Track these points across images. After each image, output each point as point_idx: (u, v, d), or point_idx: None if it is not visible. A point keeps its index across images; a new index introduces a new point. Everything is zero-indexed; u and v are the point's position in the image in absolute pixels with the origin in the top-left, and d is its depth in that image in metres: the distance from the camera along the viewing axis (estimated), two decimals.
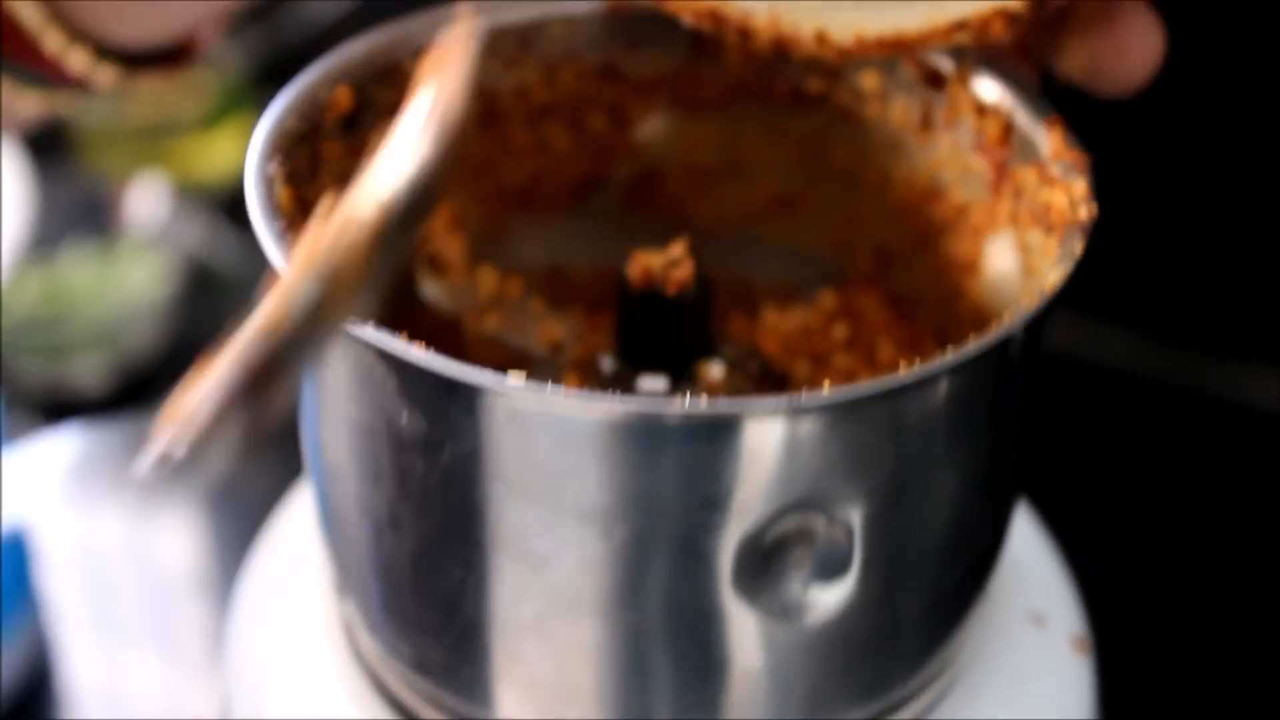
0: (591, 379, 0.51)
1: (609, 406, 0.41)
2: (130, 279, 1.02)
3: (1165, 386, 0.90)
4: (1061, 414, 0.83)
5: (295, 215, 0.47)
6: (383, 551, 0.46)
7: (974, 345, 0.43)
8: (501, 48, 0.53)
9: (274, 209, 0.46)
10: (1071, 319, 0.91)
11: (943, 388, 0.43)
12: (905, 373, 0.42)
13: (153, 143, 1.12)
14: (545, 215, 0.56)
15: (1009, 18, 0.45)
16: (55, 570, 0.80)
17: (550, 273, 0.57)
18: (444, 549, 0.45)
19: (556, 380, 0.52)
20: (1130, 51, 0.47)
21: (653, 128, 0.56)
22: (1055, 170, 0.48)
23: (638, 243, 0.56)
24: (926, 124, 0.53)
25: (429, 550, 0.45)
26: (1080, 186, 0.47)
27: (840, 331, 0.55)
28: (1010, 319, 0.43)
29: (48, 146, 1.09)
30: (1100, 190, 0.47)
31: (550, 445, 0.42)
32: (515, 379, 0.41)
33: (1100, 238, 0.46)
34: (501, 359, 0.54)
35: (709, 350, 0.50)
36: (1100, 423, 0.89)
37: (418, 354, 0.41)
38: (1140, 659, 0.70)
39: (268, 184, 0.46)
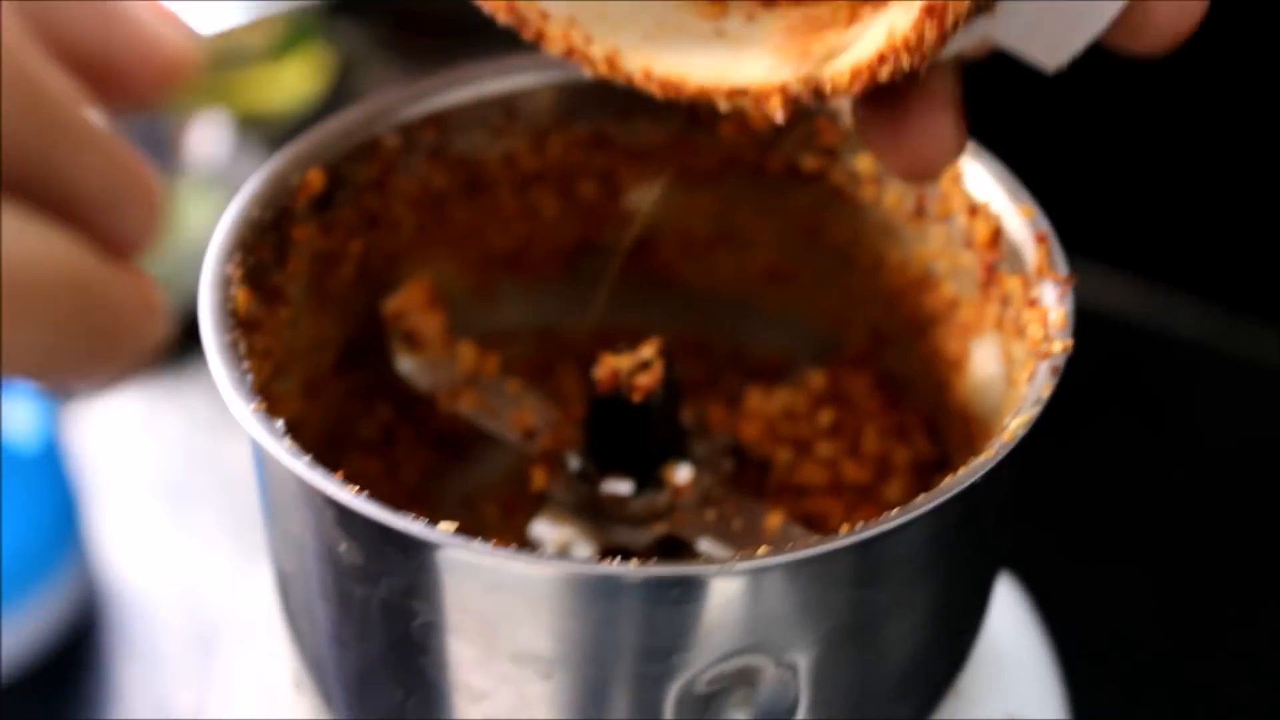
0: (558, 474, 0.50)
1: (535, 564, 0.40)
2: (190, 218, 1.01)
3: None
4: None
5: (254, 315, 0.46)
6: (334, 661, 0.46)
7: (930, 499, 0.41)
8: (487, 117, 0.52)
9: (227, 315, 0.45)
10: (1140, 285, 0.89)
11: (902, 539, 0.42)
12: (862, 530, 0.41)
13: (220, 74, 1.12)
14: (536, 279, 0.55)
15: (788, 99, 0.43)
16: (129, 482, 0.81)
17: (542, 333, 0.56)
18: (385, 670, 0.44)
19: (525, 470, 0.51)
20: (923, 148, 0.43)
21: (646, 195, 0.54)
22: (1036, 291, 0.46)
23: (632, 306, 0.55)
24: (920, 213, 0.51)
25: (372, 669, 0.45)
26: (1059, 316, 0.45)
27: (826, 417, 0.54)
28: (968, 470, 0.42)
29: None
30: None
31: (481, 592, 0.41)
32: (445, 528, 0.40)
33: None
34: (473, 437, 0.53)
35: (677, 452, 0.49)
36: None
37: (348, 497, 0.41)
38: None
39: (224, 287, 0.45)
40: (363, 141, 0.50)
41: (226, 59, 1.12)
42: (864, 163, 0.52)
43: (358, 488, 0.41)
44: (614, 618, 0.41)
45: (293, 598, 0.47)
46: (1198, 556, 0.77)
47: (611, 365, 0.48)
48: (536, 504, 0.50)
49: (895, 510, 0.41)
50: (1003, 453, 0.42)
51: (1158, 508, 0.79)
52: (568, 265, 0.55)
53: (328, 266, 0.50)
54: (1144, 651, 0.72)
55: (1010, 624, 0.55)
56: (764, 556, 0.40)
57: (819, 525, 0.51)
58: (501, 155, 0.53)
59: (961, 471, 0.42)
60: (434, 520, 0.40)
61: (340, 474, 0.41)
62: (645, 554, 0.48)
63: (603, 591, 0.40)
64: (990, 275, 0.49)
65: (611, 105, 0.53)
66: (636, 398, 0.48)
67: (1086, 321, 0.46)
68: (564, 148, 0.53)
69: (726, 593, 0.41)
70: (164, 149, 1.06)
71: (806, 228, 0.54)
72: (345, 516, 0.42)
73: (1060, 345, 0.44)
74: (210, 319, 0.45)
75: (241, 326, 0.45)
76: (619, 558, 0.43)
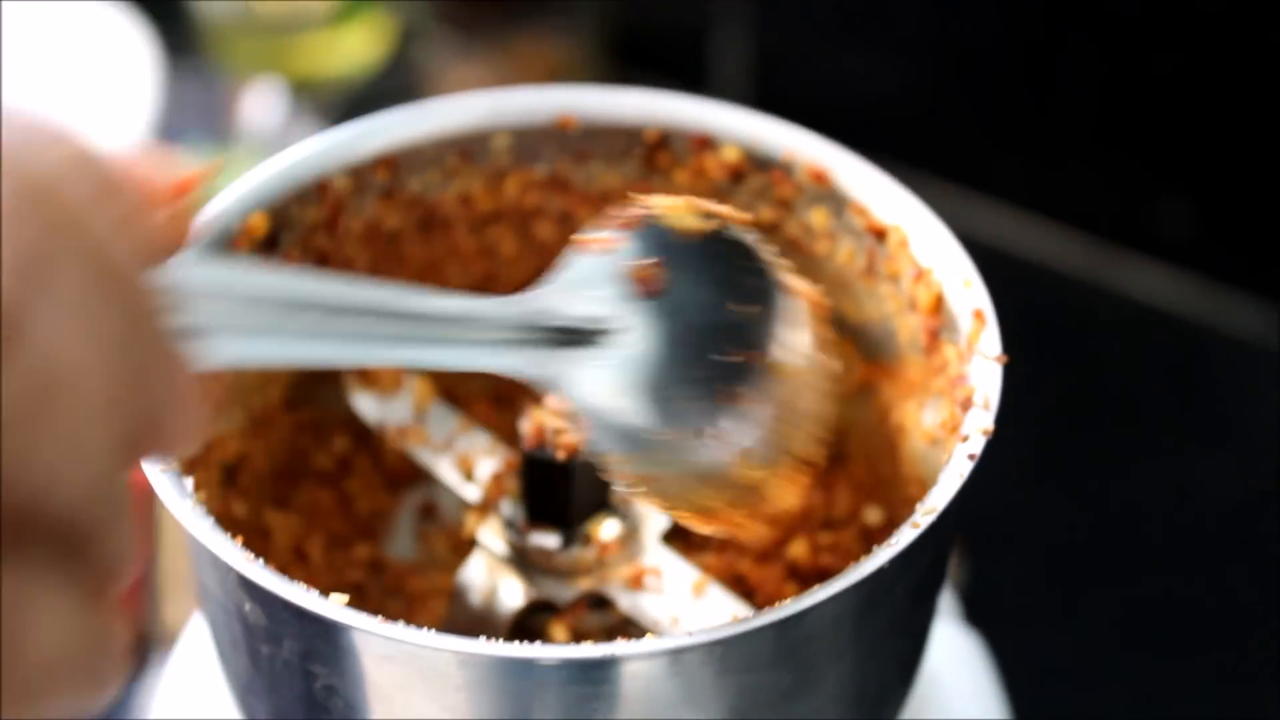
0: (493, 518, 0.50)
1: (412, 638, 0.40)
2: None
3: None
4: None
5: None
6: (251, 701, 0.47)
7: (834, 585, 0.41)
8: (442, 159, 0.52)
9: None
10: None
11: (800, 625, 0.42)
12: (752, 619, 0.40)
13: (281, 39, 1.12)
14: None
15: None
16: None
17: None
18: None
19: (460, 515, 0.51)
20: None
21: None
22: (967, 366, 0.45)
23: None
24: (871, 271, 0.50)
25: (284, 717, 0.45)
26: (983, 397, 0.44)
27: None
28: (881, 551, 0.41)
29: (178, 41, 1.09)
30: None
31: (372, 662, 0.41)
32: (337, 600, 0.40)
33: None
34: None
35: (606, 508, 0.49)
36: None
37: (244, 564, 0.41)
38: None
39: None
40: (310, 183, 0.50)
41: (287, 24, 1.12)
42: (818, 217, 0.51)
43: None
44: (495, 693, 0.41)
45: (218, 639, 0.47)
46: None
47: (538, 421, 0.48)
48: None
49: (789, 600, 0.41)
50: (904, 542, 0.42)
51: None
52: None
53: None
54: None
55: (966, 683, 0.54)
56: (629, 645, 0.40)
57: (751, 587, 0.51)
58: (457, 195, 0.52)
59: (864, 560, 0.41)
60: (348, 580, 0.40)
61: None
62: (569, 608, 0.48)
63: (472, 666, 0.40)
64: (933, 341, 0.48)
65: (568, 148, 0.52)
66: (562, 455, 0.47)
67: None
68: (521, 189, 0.53)
69: (614, 676, 0.41)
70: (218, 115, 1.07)
71: None
72: (245, 581, 0.42)
73: (981, 429, 0.44)
74: None
75: None
76: (542, 610, 0.44)
